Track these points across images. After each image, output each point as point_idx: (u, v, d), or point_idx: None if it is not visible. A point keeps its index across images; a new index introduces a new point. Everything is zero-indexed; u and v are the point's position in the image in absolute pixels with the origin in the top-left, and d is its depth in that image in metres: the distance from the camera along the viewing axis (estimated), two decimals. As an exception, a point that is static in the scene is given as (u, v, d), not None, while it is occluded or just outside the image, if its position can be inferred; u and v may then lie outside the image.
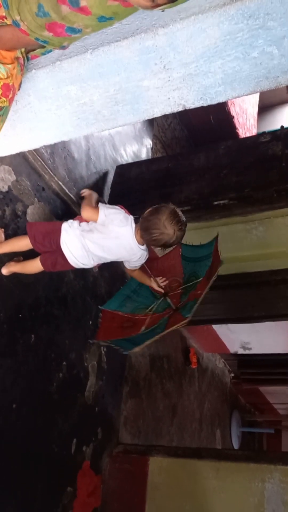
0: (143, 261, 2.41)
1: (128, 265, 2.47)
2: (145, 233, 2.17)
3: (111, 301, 2.93)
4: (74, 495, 2.80)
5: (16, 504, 2.32)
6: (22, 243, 2.37)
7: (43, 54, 1.42)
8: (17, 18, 1.09)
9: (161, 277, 2.73)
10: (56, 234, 2.25)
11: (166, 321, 2.71)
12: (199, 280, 2.67)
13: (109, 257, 2.29)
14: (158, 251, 2.70)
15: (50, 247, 2.28)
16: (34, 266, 2.35)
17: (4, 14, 1.14)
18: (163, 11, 1.02)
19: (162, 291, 2.73)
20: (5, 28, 1.21)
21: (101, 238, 2.23)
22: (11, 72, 1.31)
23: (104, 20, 1.07)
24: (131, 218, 2.28)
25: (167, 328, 2.63)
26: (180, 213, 2.16)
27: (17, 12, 1.09)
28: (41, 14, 1.07)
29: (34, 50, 1.40)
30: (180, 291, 2.77)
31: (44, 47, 1.34)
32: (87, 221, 2.31)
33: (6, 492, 2.28)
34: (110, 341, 2.70)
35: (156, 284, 2.70)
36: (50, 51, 1.39)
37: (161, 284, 2.71)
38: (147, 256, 2.40)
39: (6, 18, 1.16)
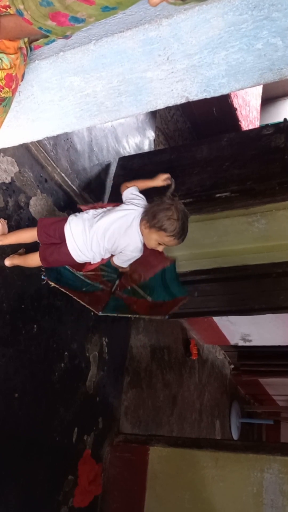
0: (132, 256, 2.33)
1: (116, 260, 2.38)
2: (152, 218, 2.17)
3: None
4: (75, 483, 2.84)
5: (18, 491, 2.36)
6: (27, 235, 2.39)
7: (46, 44, 1.42)
8: (21, 7, 1.09)
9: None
10: (62, 223, 2.27)
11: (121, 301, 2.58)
12: (147, 298, 2.60)
13: (107, 244, 2.25)
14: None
15: (54, 236, 2.28)
16: (35, 259, 2.35)
17: (7, 3, 1.13)
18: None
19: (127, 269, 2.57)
20: (8, 18, 1.21)
21: (107, 222, 2.23)
22: (14, 63, 1.31)
23: (108, 10, 1.06)
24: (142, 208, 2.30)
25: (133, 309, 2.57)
26: (186, 212, 2.23)
27: (20, 1, 1.09)
28: (44, 4, 1.07)
29: (37, 40, 1.40)
30: (129, 285, 2.64)
31: (47, 36, 1.33)
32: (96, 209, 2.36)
33: (8, 479, 2.31)
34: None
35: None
36: (54, 40, 1.39)
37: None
38: (139, 255, 2.34)
39: (9, 8, 1.15)
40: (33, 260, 2.37)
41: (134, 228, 2.24)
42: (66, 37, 1.23)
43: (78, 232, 2.23)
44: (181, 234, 2.20)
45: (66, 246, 2.24)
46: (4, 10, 1.17)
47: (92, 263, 2.37)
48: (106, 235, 2.23)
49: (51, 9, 1.08)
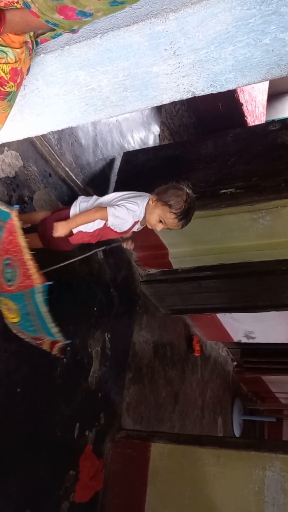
0: (124, 217, 2.23)
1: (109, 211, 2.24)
2: (163, 192, 2.23)
3: None
4: (77, 478, 2.84)
5: (19, 485, 2.37)
6: (39, 216, 2.43)
7: (53, 37, 1.40)
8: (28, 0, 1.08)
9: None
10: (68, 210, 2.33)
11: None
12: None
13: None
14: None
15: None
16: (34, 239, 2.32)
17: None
18: None
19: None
20: (14, 12, 1.20)
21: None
22: (20, 57, 1.30)
23: (116, 4, 1.05)
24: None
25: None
26: (195, 202, 2.26)
27: None
28: None
29: (44, 33, 1.39)
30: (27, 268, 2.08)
31: (54, 30, 1.32)
32: None
33: (10, 474, 2.32)
34: None
35: None
36: (60, 34, 1.38)
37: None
38: (129, 221, 2.27)
39: (16, 3, 1.14)
40: (33, 240, 2.28)
41: (141, 200, 2.27)
42: (73, 31, 1.21)
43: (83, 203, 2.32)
44: (184, 216, 2.20)
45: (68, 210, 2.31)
46: (10, 3, 1.15)
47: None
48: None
49: (59, 3, 1.07)
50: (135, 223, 2.31)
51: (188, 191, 2.23)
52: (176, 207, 2.17)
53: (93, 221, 2.24)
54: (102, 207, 2.23)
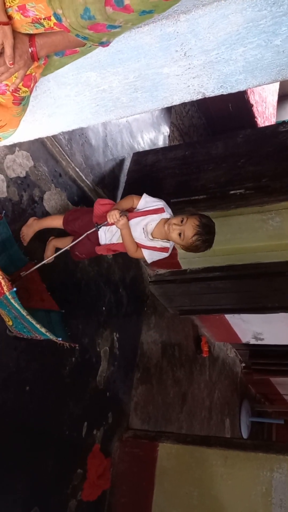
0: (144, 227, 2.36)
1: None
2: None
3: None
4: (84, 476, 2.86)
5: (27, 482, 2.38)
6: (56, 222, 2.55)
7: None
8: (59, 12, 1.08)
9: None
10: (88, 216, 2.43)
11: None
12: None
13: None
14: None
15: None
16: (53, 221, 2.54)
17: (42, 16, 1.12)
18: None
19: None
20: (55, 34, 1.20)
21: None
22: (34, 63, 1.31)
23: (145, 14, 1.05)
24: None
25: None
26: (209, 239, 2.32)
27: (59, 4, 1.07)
28: (86, 17, 1.06)
29: None
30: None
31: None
32: None
33: (18, 471, 2.34)
34: None
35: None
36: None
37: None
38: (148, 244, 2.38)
39: (44, 19, 1.13)
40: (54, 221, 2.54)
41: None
42: (102, 44, 1.21)
43: None
44: (203, 229, 2.25)
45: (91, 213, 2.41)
46: (38, 20, 1.14)
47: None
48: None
49: (91, 22, 1.08)
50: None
51: (206, 223, 2.29)
52: (201, 220, 2.24)
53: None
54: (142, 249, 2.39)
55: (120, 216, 2.20)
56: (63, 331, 2.44)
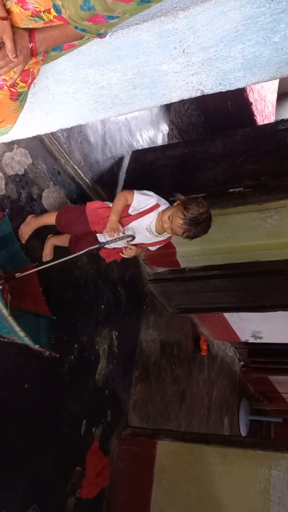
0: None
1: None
2: (189, 199, 2.26)
3: None
4: (83, 474, 2.86)
5: (26, 480, 2.39)
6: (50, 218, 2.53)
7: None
8: (59, 3, 1.07)
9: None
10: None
11: None
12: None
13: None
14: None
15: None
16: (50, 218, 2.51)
17: (42, 8, 1.11)
18: None
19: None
20: (54, 29, 1.19)
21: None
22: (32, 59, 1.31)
23: (143, 3, 1.05)
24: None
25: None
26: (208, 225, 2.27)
27: None
28: (85, 8, 1.05)
29: None
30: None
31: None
32: None
33: (17, 469, 2.34)
34: None
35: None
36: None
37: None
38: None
39: (43, 12, 1.12)
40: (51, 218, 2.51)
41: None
42: (100, 35, 1.20)
43: None
44: (191, 223, 2.19)
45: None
46: (37, 13, 1.13)
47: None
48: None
49: (91, 13, 1.07)
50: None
51: (210, 211, 2.25)
52: (189, 212, 2.17)
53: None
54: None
55: (126, 248, 2.35)
56: (47, 338, 2.35)
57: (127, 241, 2.31)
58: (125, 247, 2.38)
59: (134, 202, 2.31)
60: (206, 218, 2.22)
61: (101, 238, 2.45)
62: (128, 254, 2.39)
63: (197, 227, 2.21)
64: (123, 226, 2.32)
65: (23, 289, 2.30)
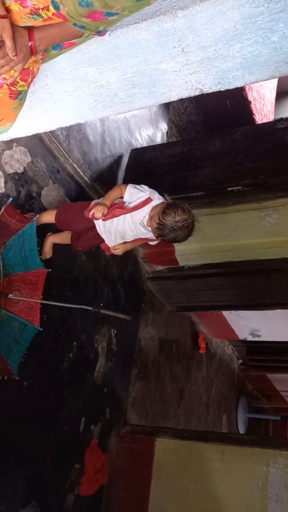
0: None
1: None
2: (173, 203, 2.25)
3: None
4: (82, 471, 2.87)
5: (26, 477, 2.40)
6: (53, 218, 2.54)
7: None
8: (57, 0, 1.08)
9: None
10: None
11: None
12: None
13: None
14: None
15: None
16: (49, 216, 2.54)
17: (41, 6, 1.11)
18: None
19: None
20: (53, 27, 1.19)
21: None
22: (32, 58, 1.31)
23: (141, 0, 1.06)
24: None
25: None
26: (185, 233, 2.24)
27: None
28: (84, 4, 1.05)
29: None
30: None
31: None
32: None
33: (17, 466, 2.35)
34: None
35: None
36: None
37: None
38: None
39: (42, 10, 1.12)
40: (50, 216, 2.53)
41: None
42: (99, 32, 1.20)
43: None
44: (164, 230, 2.20)
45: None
46: (36, 10, 1.13)
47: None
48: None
49: (89, 9, 1.07)
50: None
51: (190, 219, 2.20)
52: (165, 218, 2.16)
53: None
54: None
55: (115, 248, 2.44)
56: (19, 353, 2.24)
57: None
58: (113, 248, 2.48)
59: (126, 194, 2.32)
60: (182, 227, 2.18)
61: (102, 234, 2.45)
62: (116, 253, 2.51)
63: (172, 233, 2.20)
64: (115, 216, 2.33)
65: (24, 293, 2.29)
